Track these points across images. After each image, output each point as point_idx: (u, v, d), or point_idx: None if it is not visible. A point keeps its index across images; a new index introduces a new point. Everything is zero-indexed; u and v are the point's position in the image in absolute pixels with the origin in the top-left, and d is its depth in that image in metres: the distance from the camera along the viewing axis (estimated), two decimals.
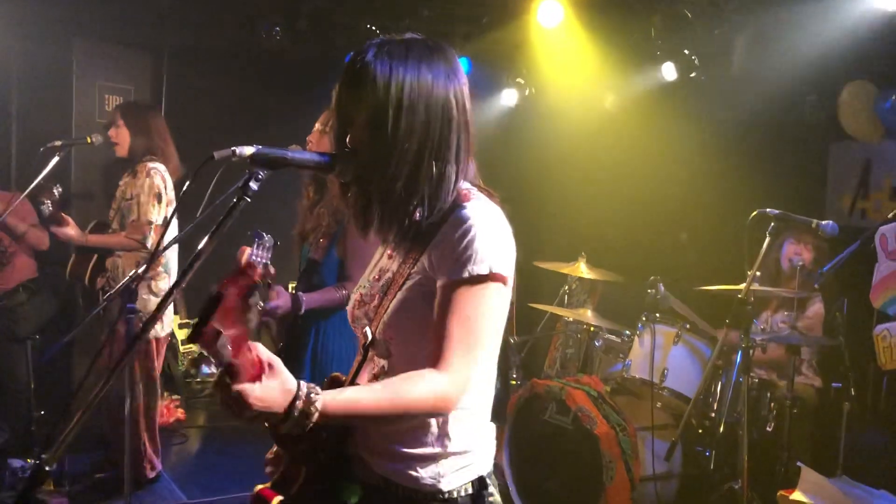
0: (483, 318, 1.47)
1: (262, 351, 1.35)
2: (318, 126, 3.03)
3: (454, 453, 1.55)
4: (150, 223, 4.05)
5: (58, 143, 4.17)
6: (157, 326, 4.19)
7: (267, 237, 2.81)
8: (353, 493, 1.55)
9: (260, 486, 1.60)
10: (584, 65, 5.29)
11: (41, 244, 4.70)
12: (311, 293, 3.00)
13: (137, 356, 4.12)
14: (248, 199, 1.46)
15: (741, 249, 3.45)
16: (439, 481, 1.54)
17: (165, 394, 5.75)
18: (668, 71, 5.15)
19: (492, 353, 1.54)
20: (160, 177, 4.10)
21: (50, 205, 4.09)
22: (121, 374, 3.54)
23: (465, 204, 1.52)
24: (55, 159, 4.20)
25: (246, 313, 1.30)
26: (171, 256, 4.23)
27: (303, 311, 2.95)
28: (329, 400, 1.35)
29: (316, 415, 1.32)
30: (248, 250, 2.92)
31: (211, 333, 1.22)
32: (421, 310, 1.51)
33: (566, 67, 5.44)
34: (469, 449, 1.57)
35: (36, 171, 4.10)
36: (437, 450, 1.54)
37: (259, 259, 2.84)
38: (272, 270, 2.88)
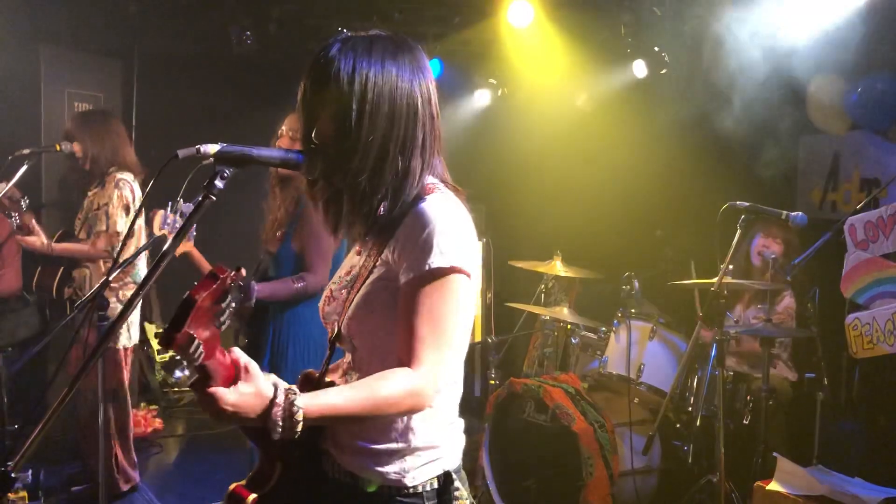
0: (449, 314, 1.47)
1: (238, 354, 1.34)
2: (286, 131, 3.02)
3: (419, 448, 1.55)
4: (119, 234, 3.99)
5: (26, 151, 4.10)
6: (125, 336, 4.11)
7: (186, 205, 2.72)
8: (369, 484, 1.55)
9: (234, 484, 1.59)
10: (555, 64, 5.31)
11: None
12: (263, 283, 2.97)
13: (105, 366, 4.05)
14: (214, 198, 1.44)
15: (714, 243, 3.48)
16: (404, 476, 1.54)
17: (143, 404, 5.70)
18: (639, 68, 5.18)
19: (460, 348, 1.54)
20: (129, 188, 4.05)
21: (17, 217, 4.02)
22: (94, 386, 3.50)
23: (425, 197, 1.52)
24: (24, 167, 4.14)
25: (219, 316, 1.29)
26: (141, 266, 4.15)
27: (252, 300, 2.89)
28: (309, 404, 1.34)
29: (301, 423, 1.32)
30: (160, 213, 2.85)
31: (183, 338, 1.22)
32: (384, 303, 1.51)
33: (538, 67, 5.47)
34: (435, 444, 1.57)
35: (4, 179, 4.04)
36: (402, 445, 1.54)
37: (171, 223, 2.76)
38: (243, 272, 2.86)
